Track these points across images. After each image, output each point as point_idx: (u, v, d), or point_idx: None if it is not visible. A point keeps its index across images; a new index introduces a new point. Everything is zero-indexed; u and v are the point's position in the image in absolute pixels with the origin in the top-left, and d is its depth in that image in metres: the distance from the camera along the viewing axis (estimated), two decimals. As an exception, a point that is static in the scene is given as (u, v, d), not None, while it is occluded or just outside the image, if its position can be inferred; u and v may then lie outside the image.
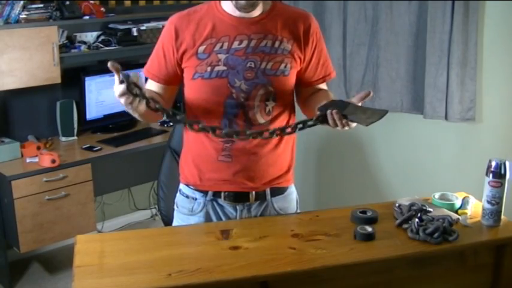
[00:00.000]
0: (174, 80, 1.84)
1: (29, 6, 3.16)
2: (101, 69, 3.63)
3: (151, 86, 1.86)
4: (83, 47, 3.46)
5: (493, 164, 1.74)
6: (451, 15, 3.02)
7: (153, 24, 3.72)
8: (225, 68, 1.75)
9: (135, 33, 3.63)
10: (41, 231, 3.13)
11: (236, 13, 1.74)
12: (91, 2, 3.47)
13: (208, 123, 1.72)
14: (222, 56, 1.74)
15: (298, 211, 2.00)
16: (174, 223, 1.98)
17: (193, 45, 1.75)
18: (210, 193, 1.88)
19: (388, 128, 3.56)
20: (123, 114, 4.17)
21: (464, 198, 1.91)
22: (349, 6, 3.49)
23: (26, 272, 3.50)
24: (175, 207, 1.97)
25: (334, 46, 3.59)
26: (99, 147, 3.42)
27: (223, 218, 1.89)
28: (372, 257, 1.59)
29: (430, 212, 1.75)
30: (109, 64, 1.52)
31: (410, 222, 1.72)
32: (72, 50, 3.41)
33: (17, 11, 3.11)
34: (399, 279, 1.67)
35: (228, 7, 1.75)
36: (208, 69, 1.75)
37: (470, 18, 2.98)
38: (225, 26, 1.75)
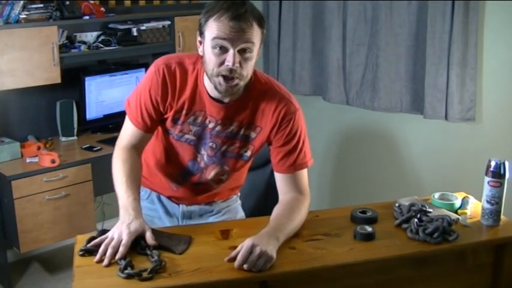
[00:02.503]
0: (153, 128, 1.82)
1: (29, 6, 3.16)
2: (101, 69, 3.63)
3: (131, 131, 1.83)
4: (83, 47, 3.46)
5: (493, 164, 1.74)
6: (451, 15, 3.02)
7: (153, 24, 3.72)
8: (194, 138, 1.79)
9: (135, 33, 3.63)
10: (41, 231, 3.13)
11: (213, 93, 1.70)
12: (91, 2, 3.47)
13: (167, 169, 1.88)
14: (193, 128, 1.77)
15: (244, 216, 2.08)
16: None
17: (170, 109, 1.75)
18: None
19: (388, 128, 3.57)
20: (123, 114, 4.18)
21: (464, 198, 1.91)
22: (349, 7, 3.49)
23: (26, 272, 3.50)
24: None
25: (334, 46, 3.59)
26: (99, 147, 3.42)
27: (168, 208, 1.98)
28: (372, 257, 1.60)
29: (429, 212, 1.76)
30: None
31: (410, 222, 1.72)
32: (72, 50, 3.41)
33: (17, 11, 3.11)
34: (399, 279, 1.67)
35: (208, 83, 1.70)
36: (179, 134, 1.79)
37: (470, 18, 2.98)
38: (201, 101, 1.74)
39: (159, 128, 1.84)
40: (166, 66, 1.73)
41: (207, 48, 1.61)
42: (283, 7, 3.82)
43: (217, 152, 1.79)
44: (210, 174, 1.85)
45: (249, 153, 1.81)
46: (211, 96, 1.72)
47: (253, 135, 1.78)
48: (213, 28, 1.57)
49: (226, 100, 1.71)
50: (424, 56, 3.18)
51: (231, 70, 1.59)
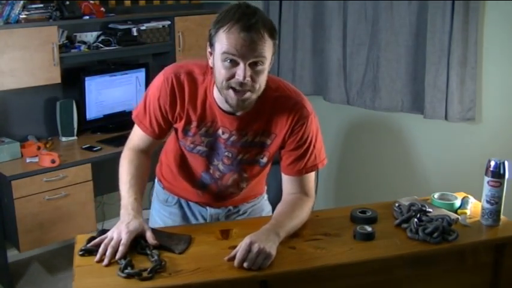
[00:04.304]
0: (163, 135, 1.82)
1: (29, 6, 3.16)
2: (101, 69, 3.63)
3: (139, 135, 1.82)
4: (83, 47, 3.46)
5: (492, 163, 1.74)
6: (451, 15, 3.02)
7: (153, 24, 3.72)
8: (206, 149, 1.77)
9: (135, 33, 3.63)
10: (41, 231, 3.13)
11: (224, 105, 1.67)
12: (91, 2, 3.47)
13: (187, 176, 1.87)
14: (205, 139, 1.75)
15: (270, 212, 2.06)
16: (151, 209, 2.05)
17: (180, 119, 1.74)
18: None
19: (388, 128, 3.57)
20: (123, 114, 4.19)
21: (463, 198, 1.91)
22: (349, 6, 3.49)
23: (26, 272, 3.50)
24: (154, 193, 2.04)
25: (334, 46, 3.59)
26: (99, 147, 3.42)
27: (196, 213, 1.96)
28: (372, 257, 1.60)
29: (429, 212, 1.76)
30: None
31: (410, 222, 1.72)
32: (72, 50, 3.41)
33: (17, 11, 3.11)
34: (399, 278, 1.67)
35: (218, 95, 1.67)
36: (191, 145, 1.78)
37: (470, 18, 2.98)
38: (212, 113, 1.71)
39: (175, 136, 1.83)
40: (175, 76, 1.70)
41: (217, 61, 1.57)
42: (283, 7, 3.82)
43: (234, 160, 1.78)
44: (228, 181, 1.84)
45: (265, 159, 1.80)
46: (222, 109, 1.69)
47: (268, 141, 1.76)
48: (223, 40, 1.53)
49: (238, 113, 1.69)
50: (424, 56, 3.18)
51: (241, 84, 1.55)
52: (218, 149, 1.77)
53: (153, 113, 1.75)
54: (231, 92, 1.58)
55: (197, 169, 1.83)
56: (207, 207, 1.94)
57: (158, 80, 1.74)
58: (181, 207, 1.96)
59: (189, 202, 1.95)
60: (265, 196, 2.08)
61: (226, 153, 1.77)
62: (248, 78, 1.55)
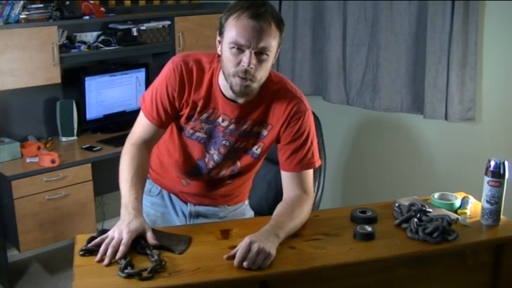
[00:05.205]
0: (167, 124, 1.83)
1: (29, 6, 3.16)
2: (101, 69, 3.63)
3: (144, 125, 1.82)
4: (83, 47, 3.46)
5: (492, 163, 1.74)
6: (451, 15, 3.02)
7: (153, 24, 3.72)
8: (205, 136, 1.81)
9: (135, 33, 3.63)
10: (41, 231, 3.13)
11: (228, 93, 1.72)
12: (91, 2, 3.47)
13: (181, 165, 1.89)
14: (205, 126, 1.79)
15: (253, 215, 2.10)
16: None
17: (186, 105, 1.77)
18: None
19: (388, 128, 3.57)
20: (123, 114, 4.18)
21: (463, 198, 1.91)
22: (349, 6, 3.49)
23: (26, 272, 3.50)
24: None
25: (334, 46, 3.59)
26: (99, 147, 3.42)
27: (177, 207, 1.98)
28: (372, 257, 1.60)
29: (429, 212, 1.76)
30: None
31: (409, 222, 1.72)
32: (72, 50, 3.41)
33: (17, 11, 3.11)
34: (399, 278, 1.67)
35: (223, 82, 1.72)
36: (191, 131, 1.81)
37: (470, 18, 2.98)
38: (216, 100, 1.76)
39: (173, 125, 1.85)
40: (184, 63, 1.75)
41: (225, 49, 1.64)
42: (283, 7, 3.82)
43: (231, 148, 1.82)
44: (221, 171, 1.87)
45: (259, 150, 1.83)
46: (225, 96, 1.74)
47: (264, 132, 1.80)
48: (232, 27, 1.60)
49: (240, 101, 1.73)
50: (424, 56, 3.18)
51: (246, 71, 1.61)
52: (216, 137, 1.80)
53: (160, 100, 1.77)
54: (237, 79, 1.63)
55: (194, 156, 1.86)
56: (188, 203, 1.96)
57: (167, 68, 1.78)
58: (163, 198, 2.00)
59: (171, 195, 1.98)
60: (247, 202, 2.10)
61: (223, 142, 1.80)
62: (252, 66, 1.60)
